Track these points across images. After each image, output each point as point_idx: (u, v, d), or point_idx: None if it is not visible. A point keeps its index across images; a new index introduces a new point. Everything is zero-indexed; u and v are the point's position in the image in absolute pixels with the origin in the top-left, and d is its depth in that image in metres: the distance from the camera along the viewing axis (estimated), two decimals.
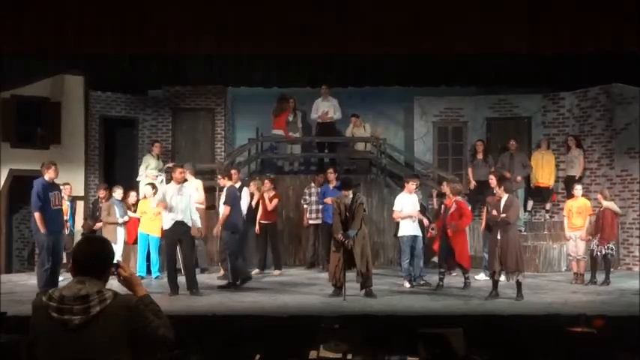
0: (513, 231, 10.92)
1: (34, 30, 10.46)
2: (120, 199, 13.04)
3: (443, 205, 12.31)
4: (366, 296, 10.84)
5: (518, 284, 10.71)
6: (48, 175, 10.84)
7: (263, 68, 14.53)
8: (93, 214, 13.93)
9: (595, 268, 12.37)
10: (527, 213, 15.50)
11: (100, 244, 3.76)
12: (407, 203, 12.15)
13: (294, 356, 6.32)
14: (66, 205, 12.85)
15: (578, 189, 12.80)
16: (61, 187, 12.80)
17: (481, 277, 12.72)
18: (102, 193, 13.74)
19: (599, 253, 12.35)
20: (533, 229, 15.18)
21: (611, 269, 12.57)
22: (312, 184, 14.23)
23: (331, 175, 13.86)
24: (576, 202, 12.68)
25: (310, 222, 14.20)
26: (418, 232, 12.21)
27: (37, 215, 10.64)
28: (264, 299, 10.76)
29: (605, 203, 12.46)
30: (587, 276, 12.47)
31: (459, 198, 12.20)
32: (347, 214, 10.91)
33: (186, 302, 10.35)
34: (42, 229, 10.58)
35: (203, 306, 10.02)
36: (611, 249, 12.39)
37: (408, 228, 12.09)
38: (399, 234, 12.21)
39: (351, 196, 11.01)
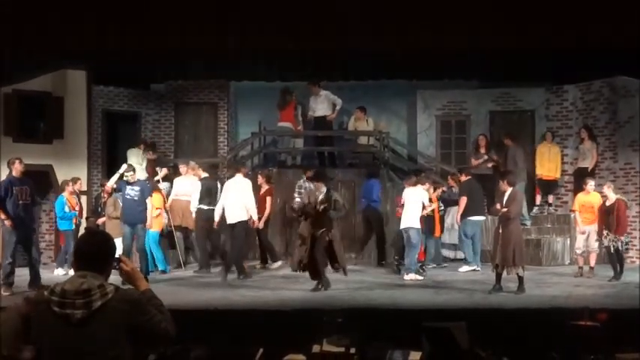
0: (515, 225, 10.91)
1: (35, 25, 10.46)
2: None
3: None
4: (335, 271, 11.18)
5: (520, 278, 10.70)
6: (15, 171, 11.04)
7: (265, 62, 14.50)
8: (95, 209, 13.92)
9: (615, 264, 12.14)
10: (536, 208, 15.42)
11: (101, 238, 3.76)
12: None
13: (296, 350, 6.31)
14: (74, 200, 12.86)
15: (591, 184, 12.69)
16: (70, 182, 12.84)
17: (464, 269, 13.10)
18: (108, 188, 13.72)
19: (613, 246, 12.19)
20: (537, 222, 15.15)
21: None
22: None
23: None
24: (589, 197, 12.60)
25: None
26: None
27: None
28: (267, 294, 10.76)
29: (616, 195, 12.39)
30: (597, 269, 12.47)
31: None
32: (317, 207, 10.87)
33: (189, 297, 10.36)
34: (7, 223, 10.81)
35: (205, 301, 10.03)
36: (625, 242, 12.30)
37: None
38: (417, 226, 12.26)
39: (324, 189, 11.02)
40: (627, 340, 6.94)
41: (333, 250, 10.97)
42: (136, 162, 14.58)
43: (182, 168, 14.02)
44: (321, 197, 10.95)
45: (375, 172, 14.70)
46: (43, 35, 10.57)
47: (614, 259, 12.17)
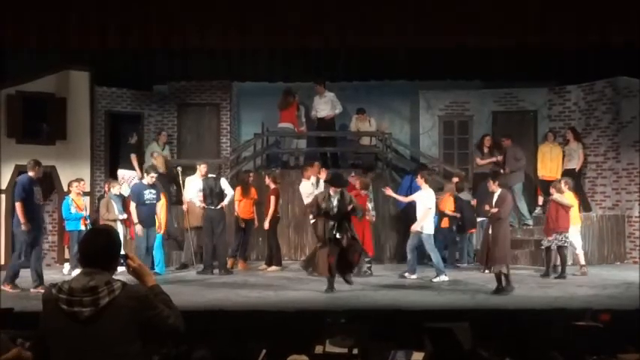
0: (505, 226, 10.85)
1: (37, 25, 10.49)
2: (118, 194, 12.95)
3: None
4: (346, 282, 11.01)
5: (505, 275, 10.62)
6: (33, 173, 10.98)
7: (268, 63, 14.52)
8: (98, 210, 13.91)
9: (563, 260, 12.24)
10: (538, 208, 15.37)
11: (106, 235, 3.75)
12: None
13: (299, 351, 6.32)
14: (82, 201, 12.83)
15: (559, 187, 12.57)
16: (76, 183, 12.82)
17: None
18: (108, 187, 13.71)
19: (551, 246, 12.27)
20: (540, 222, 15.12)
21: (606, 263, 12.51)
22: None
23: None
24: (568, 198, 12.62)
25: None
26: None
27: (18, 205, 10.71)
28: (270, 294, 10.77)
29: (554, 196, 12.33)
30: (594, 269, 12.49)
31: (363, 192, 12.57)
32: (336, 209, 10.76)
33: (193, 297, 10.37)
34: (22, 220, 10.63)
35: (209, 301, 10.04)
36: (563, 240, 12.20)
37: None
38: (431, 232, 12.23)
39: (339, 191, 10.94)
40: (629, 340, 6.94)
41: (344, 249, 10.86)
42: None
43: (202, 167, 13.70)
44: (338, 198, 10.79)
45: (416, 169, 14.42)
46: (45, 36, 10.60)
47: (561, 257, 12.25)
